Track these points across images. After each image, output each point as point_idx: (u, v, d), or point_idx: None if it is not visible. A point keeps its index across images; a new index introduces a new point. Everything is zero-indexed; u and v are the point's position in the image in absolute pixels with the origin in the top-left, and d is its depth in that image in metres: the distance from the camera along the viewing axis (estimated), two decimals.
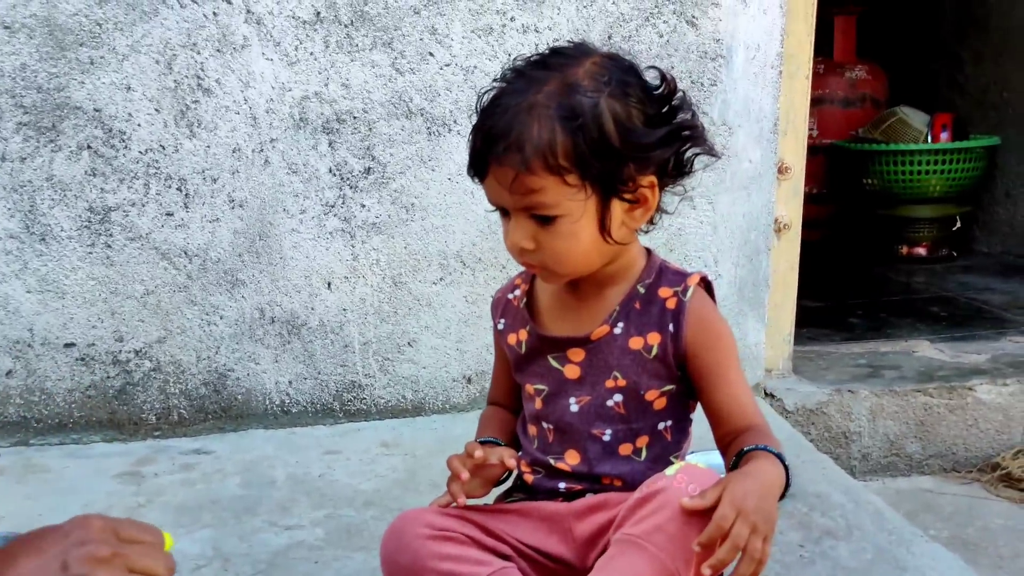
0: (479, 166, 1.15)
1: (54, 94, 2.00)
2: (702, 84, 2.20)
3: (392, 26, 2.08)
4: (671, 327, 1.22)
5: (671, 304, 1.23)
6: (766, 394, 2.43)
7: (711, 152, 1.22)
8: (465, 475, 1.26)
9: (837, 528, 1.69)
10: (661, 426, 1.27)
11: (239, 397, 2.19)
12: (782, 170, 2.38)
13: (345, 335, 2.20)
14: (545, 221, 1.14)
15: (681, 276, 1.26)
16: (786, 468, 1.15)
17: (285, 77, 2.06)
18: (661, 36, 2.17)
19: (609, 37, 2.15)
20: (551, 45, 1.20)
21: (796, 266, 2.47)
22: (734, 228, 2.29)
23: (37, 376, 2.11)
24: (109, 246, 2.08)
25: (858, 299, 3.48)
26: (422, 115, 2.12)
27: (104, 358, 2.12)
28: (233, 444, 2.14)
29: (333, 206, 2.13)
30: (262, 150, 2.09)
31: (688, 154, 1.20)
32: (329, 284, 2.17)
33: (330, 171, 2.12)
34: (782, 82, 2.28)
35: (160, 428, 2.18)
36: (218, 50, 2.03)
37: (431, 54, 2.10)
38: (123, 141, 2.04)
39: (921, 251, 4.16)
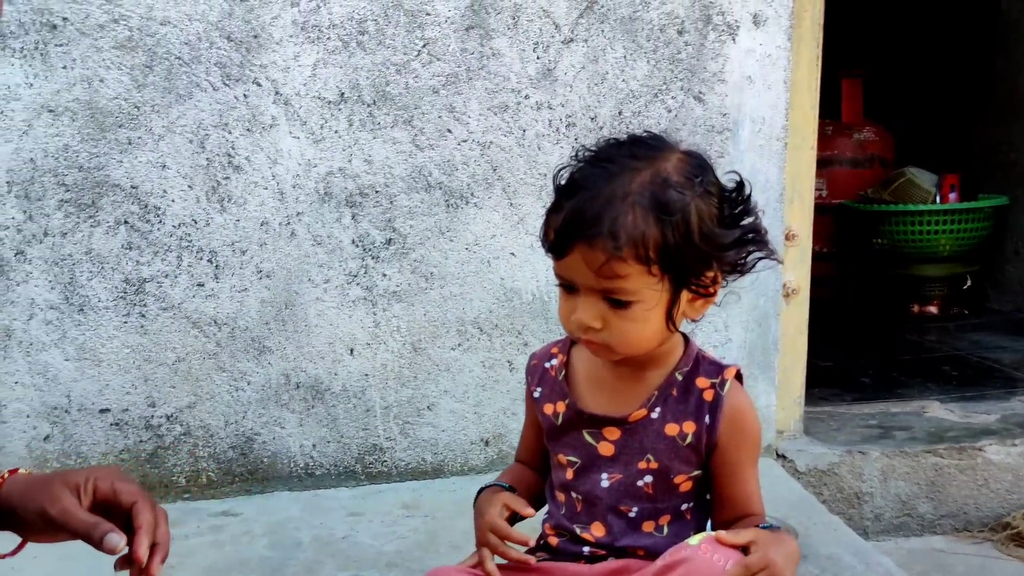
0: (562, 245, 1.19)
1: (94, 172, 2.12)
2: (709, 156, 2.28)
3: (412, 105, 2.19)
4: (707, 419, 1.28)
5: (708, 396, 1.29)
6: (778, 455, 2.49)
7: (773, 256, 1.28)
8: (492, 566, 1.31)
9: None
10: (684, 507, 1.34)
11: (265, 460, 2.27)
12: (789, 237, 2.46)
13: (367, 399, 2.27)
14: (618, 304, 1.19)
15: (718, 368, 1.32)
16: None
17: (311, 154, 2.17)
18: (669, 111, 2.27)
19: (619, 112, 2.25)
20: (630, 135, 1.26)
21: (805, 330, 2.54)
22: (742, 293, 2.36)
23: (73, 440, 2.20)
24: (143, 315, 2.17)
25: (869, 358, 3.54)
26: (441, 188, 2.22)
27: (137, 423, 2.21)
28: (259, 506, 2.21)
29: (356, 276, 2.23)
30: (289, 223, 2.19)
31: (752, 256, 1.26)
32: (352, 350, 2.25)
33: (353, 242, 2.22)
34: (788, 153, 2.37)
35: (189, 490, 2.26)
36: (248, 129, 2.15)
37: (449, 131, 2.21)
38: (158, 216, 2.15)
39: (932, 310, 4.22)
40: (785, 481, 2.31)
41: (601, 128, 2.24)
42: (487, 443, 2.34)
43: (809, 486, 2.45)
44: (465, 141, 2.22)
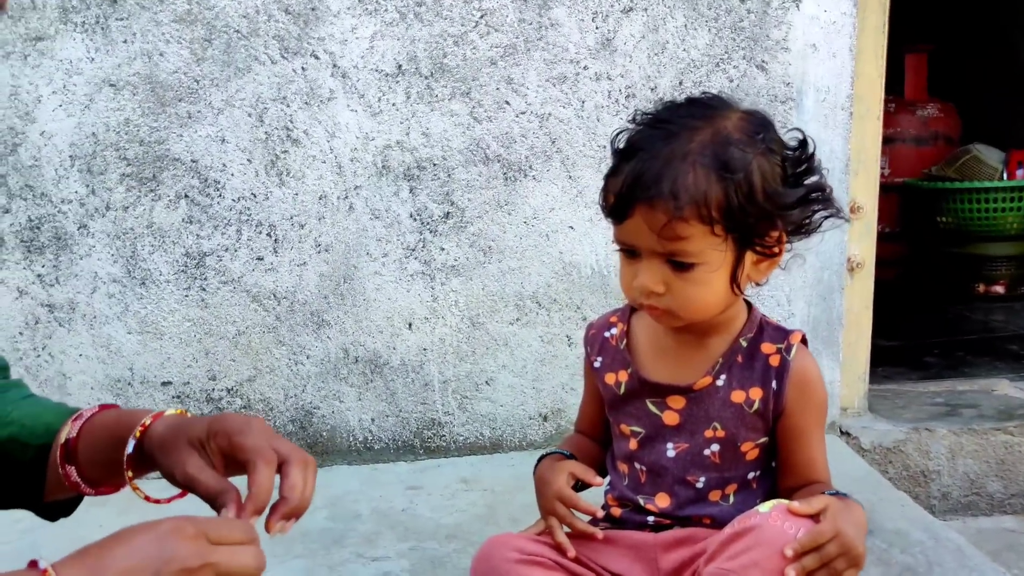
0: (622, 207, 1.17)
1: (155, 147, 2.13)
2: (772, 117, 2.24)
3: (470, 77, 2.17)
4: (774, 385, 1.25)
5: (774, 361, 1.26)
6: (842, 432, 2.44)
7: (839, 215, 1.25)
8: (569, 549, 1.30)
9: (917, 565, 1.70)
10: (750, 476, 1.31)
11: (324, 434, 2.28)
12: (854, 209, 2.40)
13: (425, 374, 2.27)
14: (681, 267, 1.16)
15: (783, 333, 1.29)
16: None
17: (369, 127, 2.17)
18: (731, 81, 2.22)
19: (680, 83, 2.21)
20: (688, 96, 1.23)
21: (870, 305, 2.48)
22: (807, 268, 2.31)
23: None
24: (204, 289, 2.19)
25: (934, 338, 3.45)
26: (499, 161, 2.20)
27: (198, 395, 2.23)
28: (319, 478, 2.21)
29: (414, 250, 2.22)
30: (347, 197, 2.19)
31: (817, 215, 1.23)
32: (410, 325, 2.25)
33: (411, 216, 2.21)
34: (853, 123, 2.31)
35: None
36: (306, 103, 2.14)
37: (507, 103, 2.18)
38: (217, 190, 2.16)
39: (999, 289, 4.11)
40: (850, 457, 2.26)
41: (661, 99, 2.20)
42: (545, 418, 2.32)
43: (874, 463, 2.40)
44: (523, 113, 2.19)
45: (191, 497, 1.03)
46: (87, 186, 2.12)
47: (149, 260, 2.17)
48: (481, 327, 2.26)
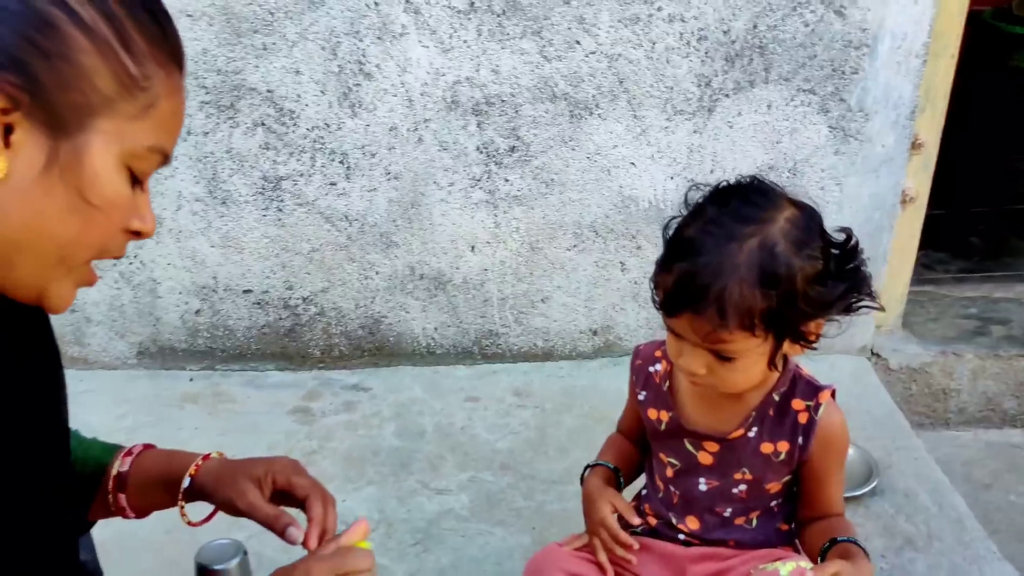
0: (672, 308, 1.26)
1: (232, 76, 2.19)
2: (843, 72, 2.23)
3: (542, 16, 2.16)
4: (800, 440, 1.39)
5: (803, 419, 1.39)
6: (873, 353, 2.59)
7: (874, 305, 1.33)
8: (608, 571, 1.49)
9: (918, 536, 1.90)
10: (773, 504, 1.48)
11: (391, 339, 2.48)
12: (915, 145, 2.41)
13: (485, 291, 2.43)
14: (723, 358, 1.27)
15: (814, 390, 1.40)
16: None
17: (439, 63, 2.19)
18: (807, 25, 2.19)
19: (754, 26, 2.18)
20: (739, 181, 1.28)
21: (917, 235, 2.55)
22: (859, 208, 2.37)
23: (221, 315, 2.43)
24: (280, 210, 2.32)
25: (983, 205, 3.47)
26: (566, 99, 2.23)
27: (276, 303, 2.42)
28: (386, 381, 2.45)
29: (479, 180, 2.31)
30: (416, 129, 2.25)
31: (855, 304, 1.31)
32: (473, 247, 2.38)
33: (477, 149, 2.28)
34: (928, 60, 2.28)
35: (324, 361, 2.50)
36: (379, 37, 2.16)
37: (578, 42, 2.18)
38: (292, 119, 2.23)
39: None
40: (875, 392, 2.43)
41: (734, 42, 2.19)
42: (595, 333, 2.50)
43: (899, 382, 2.57)
44: (593, 53, 2.20)
45: (218, 517, 1.26)
46: None
47: (229, 182, 2.29)
48: (540, 252, 2.39)
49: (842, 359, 2.55)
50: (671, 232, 1.33)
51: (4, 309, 0.86)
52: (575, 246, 2.38)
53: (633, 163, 2.30)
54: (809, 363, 2.40)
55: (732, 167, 2.30)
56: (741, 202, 1.30)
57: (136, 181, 0.85)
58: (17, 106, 0.75)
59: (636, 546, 1.50)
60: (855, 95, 2.25)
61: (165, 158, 0.87)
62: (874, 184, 2.36)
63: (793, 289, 1.24)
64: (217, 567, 1.41)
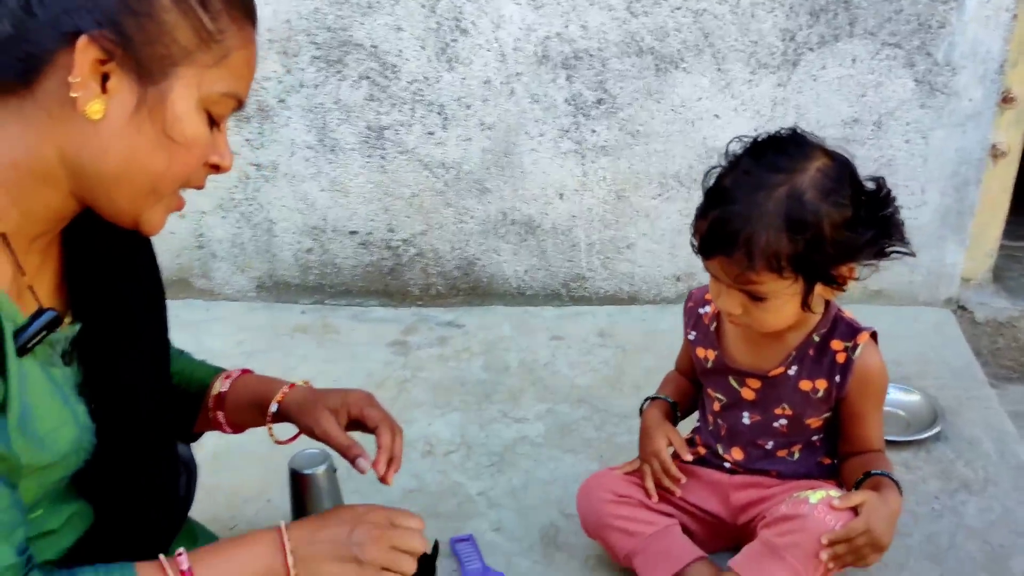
0: (705, 252, 1.39)
1: (340, 33, 2.37)
2: (930, 26, 2.25)
3: None
4: (837, 378, 1.50)
5: (840, 359, 1.49)
6: (959, 307, 2.61)
7: (907, 251, 1.41)
8: (653, 496, 1.63)
9: (974, 481, 1.96)
10: (814, 438, 1.59)
11: (484, 280, 2.65)
12: (1007, 99, 2.40)
13: (573, 237, 2.56)
14: (756, 298, 1.39)
15: (853, 331, 1.50)
16: (900, 490, 1.48)
17: (531, 19, 2.32)
18: None
19: None
20: (776, 133, 1.39)
21: (1009, 189, 2.54)
22: (945, 161, 2.39)
23: (329, 254, 2.65)
24: (383, 157, 2.50)
25: None
26: (652, 53, 2.33)
27: (379, 244, 2.62)
28: (479, 319, 2.62)
29: (568, 131, 2.43)
30: (509, 82, 2.39)
31: (887, 250, 1.40)
32: (561, 195, 2.51)
33: (566, 101, 2.40)
34: (1018, 10, 2.27)
35: (422, 299, 2.69)
36: None
37: None
38: (395, 73, 2.40)
39: None
40: (955, 343, 2.45)
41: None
42: (679, 279, 2.60)
43: (984, 336, 2.58)
44: (679, 8, 2.28)
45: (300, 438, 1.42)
46: (283, 66, 2.42)
47: (337, 131, 2.48)
48: (625, 200, 2.51)
49: (926, 311, 2.58)
50: (710, 182, 1.44)
51: (113, 232, 1.04)
52: (660, 195, 2.49)
53: (717, 115, 2.38)
54: (893, 313, 2.48)
55: (816, 119, 2.35)
56: (775, 153, 1.40)
57: (214, 123, 1.00)
58: (111, 58, 0.90)
59: (683, 479, 1.63)
60: (942, 49, 2.26)
61: (239, 103, 1.02)
62: (960, 138, 2.37)
63: (820, 234, 1.34)
64: (307, 471, 1.63)
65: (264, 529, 1.13)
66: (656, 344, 2.46)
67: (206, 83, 0.96)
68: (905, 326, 2.50)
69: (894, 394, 2.16)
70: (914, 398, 2.16)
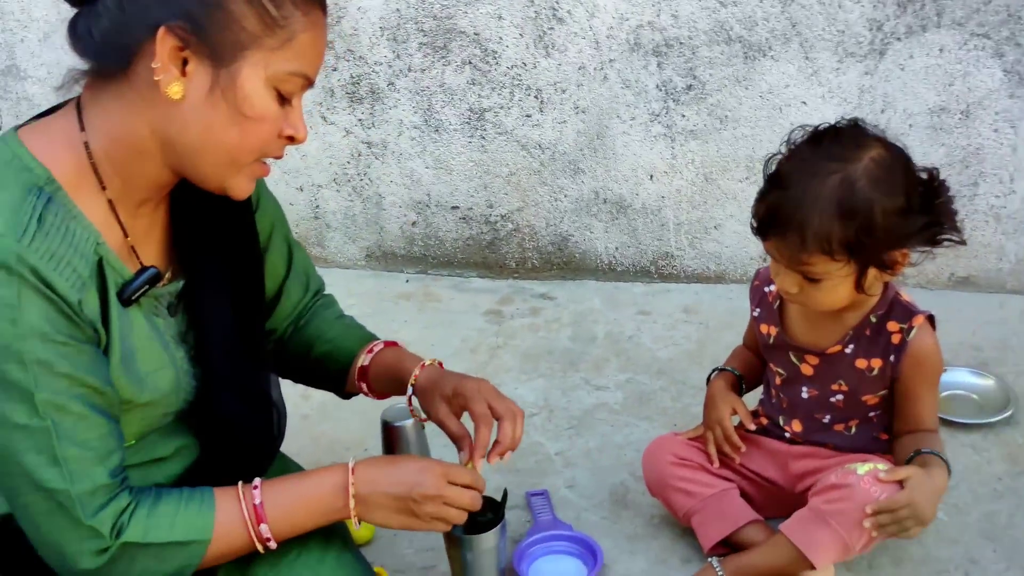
0: (762, 233, 1.51)
1: (445, 21, 2.54)
2: (1019, 17, 2.26)
3: None
4: (892, 358, 1.59)
5: (896, 339, 1.59)
6: None
7: (958, 239, 1.50)
8: (714, 462, 1.75)
9: None
10: (871, 414, 1.69)
11: (577, 255, 2.79)
12: None
13: (662, 217, 2.68)
14: (810, 279, 1.49)
15: (909, 313, 1.59)
16: (948, 469, 1.57)
17: (624, 9, 2.44)
18: None
19: None
20: (836, 124, 1.49)
21: None
22: None
23: (432, 227, 2.83)
24: (483, 138, 2.67)
25: None
26: (740, 42, 2.42)
27: (479, 219, 2.79)
28: (570, 292, 2.77)
29: (658, 115, 2.54)
30: (602, 68, 2.52)
31: (938, 237, 1.49)
32: (651, 176, 2.63)
33: (657, 87, 2.51)
34: None
35: (518, 272, 2.85)
36: None
37: None
38: (495, 58, 2.56)
39: None
40: None
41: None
42: (765, 260, 2.68)
43: None
44: None
45: None
46: (393, 52, 2.60)
47: (441, 112, 2.66)
48: (713, 182, 2.60)
49: (1013, 298, 2.58)
50: (771, 168, 1.55)
51: (213, 200, 1.20)
52: (747, 178, 2.58)
53: (804, 102, 2.45)
54: (980, 299, 2.51)
55: (903, 108, 2.40)
56: (832, 143, 1.50)
57: (285, 99, 1.11)
58: (188, 45, 1.04)
59: (743, 448, 1.74)
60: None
61: (308, 80, 1.12)
62: None
63: (871, 220, 1.44)
64: (396, 423, 1.81)
65: (336, 465, 1.26)
66: (739, 322, 2.52)
67: (273, 64, 1.07)
68: (990, 312, 2.52)
69: (968, 378, 2.22)
70: (988, 382, 2.21)
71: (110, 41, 1.05)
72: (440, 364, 1.50)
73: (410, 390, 1.47)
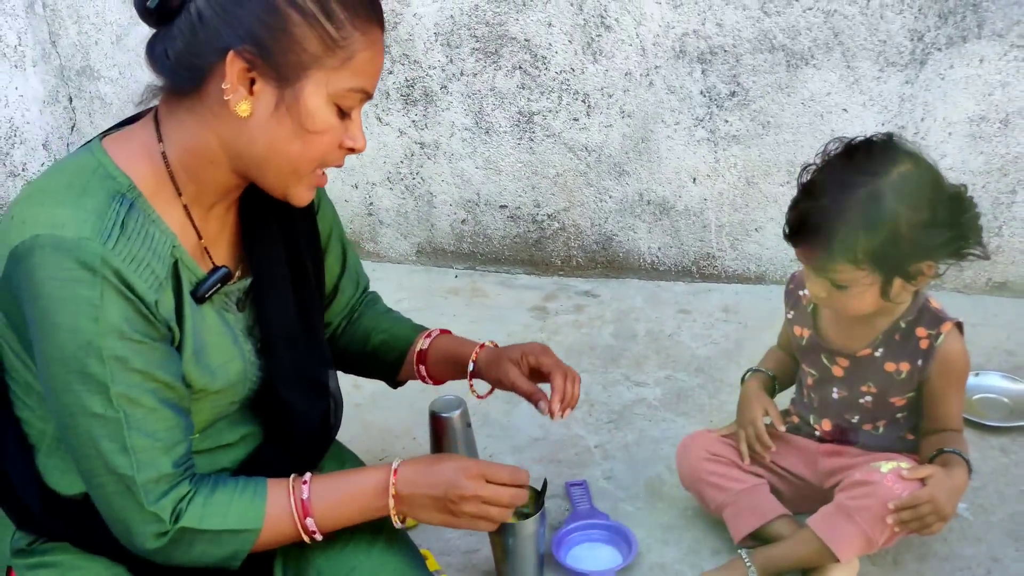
0: (792, 241, 1.60)
1: (497, 28, 2.64)
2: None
3: None
4: (920, 362, 1.66)
5: (924, 345, 1.66)
6: None
7: (982, 255, 1.57)
8: (745, 459, 1.82)
9: None
10: (899, 416, 1.76)
11: (621, 254, 2.88)
12: None
13: (704, 218, 2.75)
14: (837, 286, 1.58)
15: (938, 320, 1.66)
16: (969, 468, 1.64)
17: (670, 17, 2.51)
18: None
19: None
20: (870, 138, 1.56)
21: None
22: None
23: (481, 225, 2.94)
24: (532, 140, 2.76)
25: None
26: (783, 50, 2.48)
27: (526, 217, 2.89)
28: (614, 290, 2.86)
29: (702, 120, 2.62)
30: (648, 74, 2.60)
31: (963, 251, 1.56)
32: (694, 179, 2.71)
33: (701, 93, 2.59)
34: None
35: (563, 269, 2.95)
36: None
37: None
38: (544, 64, 2.65)
39: None
40: None
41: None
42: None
43: None
44: (810, 9, 2.42)
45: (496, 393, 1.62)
46: (447, 56, 2.71)
47: (491, 115, 2.76)
48: (755, 186, 2.67)
49: None
50: (805, 177, 1.63)
51: (278, 205, 1.28)
52: (788, 182, 2.64)
53: (845, 109, 2.51)
54: (1017, 305, 2.56)
55: (943, 116, 2.45)
56: (864, 157, 1.57)
57: (345, 113, 1.18)
58: (255, 67, 1.11)
59: (773, 448, 1.82)
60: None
61: (367, 95, 1.20)
62: None
63: (896, 233, 1.51)
64: (444, 415, 1.91)
65: (380, 465, 1.34)
66: (777, 322, 2.57)
67: (334, 82, 1.15)
68: None
69: (1000, 382, 2.27)
70: (1020, 387, 2.25)
71: (184, 62, 1.14)
72: (495, 344, 1.61)
73: (471, 366, 1.58)
